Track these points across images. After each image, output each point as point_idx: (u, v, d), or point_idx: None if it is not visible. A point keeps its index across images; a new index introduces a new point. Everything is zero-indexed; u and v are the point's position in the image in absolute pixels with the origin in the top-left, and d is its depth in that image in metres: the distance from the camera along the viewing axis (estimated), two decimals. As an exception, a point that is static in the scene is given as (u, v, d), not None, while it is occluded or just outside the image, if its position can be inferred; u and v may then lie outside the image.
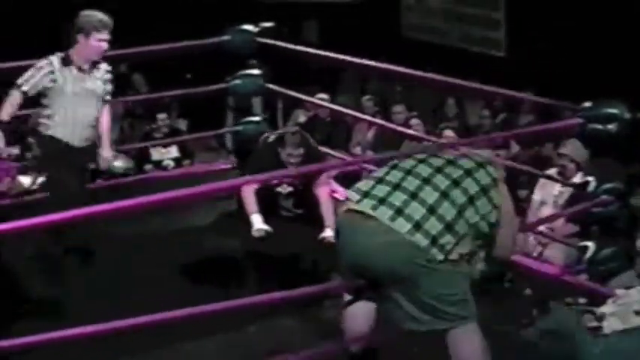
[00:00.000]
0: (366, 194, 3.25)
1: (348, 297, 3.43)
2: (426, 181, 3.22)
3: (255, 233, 4.99)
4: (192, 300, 3.22)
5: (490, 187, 3.26)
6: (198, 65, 7.63)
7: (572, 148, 6.00)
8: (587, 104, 4.06)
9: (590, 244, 4.32)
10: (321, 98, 8.10)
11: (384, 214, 3.15)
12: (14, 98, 4.66)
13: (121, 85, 10.16)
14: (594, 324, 3.95)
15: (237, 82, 5.97)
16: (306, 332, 4.11)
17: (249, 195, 5.03)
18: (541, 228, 5.63)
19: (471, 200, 3.20)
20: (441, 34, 11.30)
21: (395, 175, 3.27)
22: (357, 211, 3.22)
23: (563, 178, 5.85)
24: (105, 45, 4.73)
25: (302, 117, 8.73)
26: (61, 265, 4.71)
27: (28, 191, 6.84)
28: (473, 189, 3.22)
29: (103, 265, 4.70)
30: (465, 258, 3.22)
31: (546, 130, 5.50)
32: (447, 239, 3.13)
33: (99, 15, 4.70)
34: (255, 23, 5.83)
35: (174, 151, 7.64)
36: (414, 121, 8.13)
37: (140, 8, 10.54)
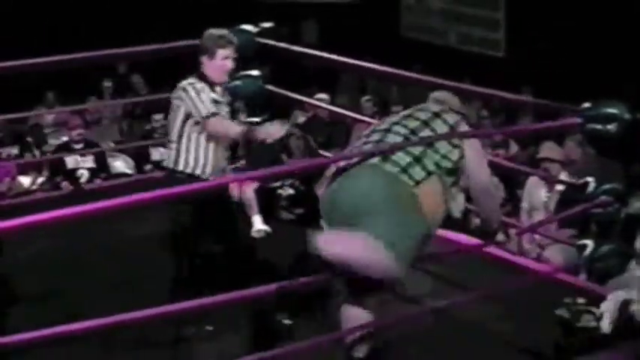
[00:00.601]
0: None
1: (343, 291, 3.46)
2: (387, 130, 3.42)
3: (254, 234, 4.99)
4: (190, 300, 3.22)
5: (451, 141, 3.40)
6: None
7: (548, 150, 6.07)
8: (587, 104, 4.06)
9: (588, 242, 4.32)
10: (321, 98, 8.10)
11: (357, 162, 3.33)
12: (223, 121, 4.17)
13: (120, 86, 10.24)
14: (593, 324, 3.96)
15: (237, 83, 5.91)
16: (305, 331, 4.11)
17: (250, 196, 5.03)
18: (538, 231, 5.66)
19: (430, 144, 3.35)
20: (440, 34, 11.31)
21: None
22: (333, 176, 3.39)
23: (549, 179, 5.92)
24: (230, 63, 4.29)
25: (301, 117, 8.74)
26: (64, 262, 4.73)
27: (27, 191, 6.87)
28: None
29: (101, 266, 4.71)
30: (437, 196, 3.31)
31: (546, 128, 5.52)
32: (417, 171, 3.26)
33: (220, 31, 4.33)
34: (255, 23, 5.82)
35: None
36: None
37: (139, 8, 10.55)
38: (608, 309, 3.95)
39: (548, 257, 5.80)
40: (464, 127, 3.49)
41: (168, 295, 3.93)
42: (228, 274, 4.05)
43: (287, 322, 4.02)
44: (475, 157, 3.44)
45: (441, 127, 3.42)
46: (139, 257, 4.80)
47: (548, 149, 6.10)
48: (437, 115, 3.49)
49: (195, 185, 3.73)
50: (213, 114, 4.11)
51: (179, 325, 4.01)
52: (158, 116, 8.03)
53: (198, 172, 4.19)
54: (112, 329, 3.03)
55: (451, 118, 3.49)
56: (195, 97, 4.13)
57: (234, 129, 4.14)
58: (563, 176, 5.77)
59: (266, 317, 4.09)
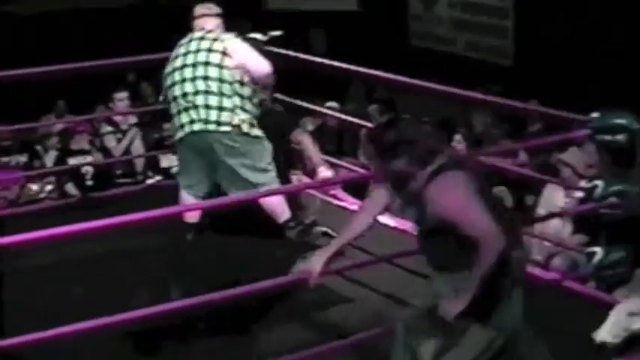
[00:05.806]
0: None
1: None
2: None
3: None
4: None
5: (212, 46, 4.69)
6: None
7: (568, 154, 6.05)
8: (596, 114, 4.06)
9: (597, 249, 4.30)
10: (331, 107, 8.12)
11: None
12: None
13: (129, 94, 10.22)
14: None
15: None
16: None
17: None
18: (549, 238, 5.64)
19: (207, 64, 4.63)
20: (448, 42, 11.32)
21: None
22: None
23: (564, 185, 5.89)
24: None
25: (310, 125, 8.73)
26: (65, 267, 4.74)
27: (36, 199, 6.88)
28: (203, 57, 4.67)
29: (97, 268, 4.70)
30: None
31: (555, 142, 5.52)
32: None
33: None
34: (264, 32, 5.82)
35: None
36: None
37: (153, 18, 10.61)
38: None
39: (557, 265, 5.79)
40: (226, 35, 4.73)
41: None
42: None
43: None
44: (242, 53, 4.70)
45: (208, 44, 4.70)
46: (134, 259, 4.77)
47: (568, 153, 6.06)
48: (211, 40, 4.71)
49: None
50: None
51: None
52: (168, 125, 8.03)
53: None
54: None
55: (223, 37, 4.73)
56: None
57: None
58: (583, 183, 5.71)
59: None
